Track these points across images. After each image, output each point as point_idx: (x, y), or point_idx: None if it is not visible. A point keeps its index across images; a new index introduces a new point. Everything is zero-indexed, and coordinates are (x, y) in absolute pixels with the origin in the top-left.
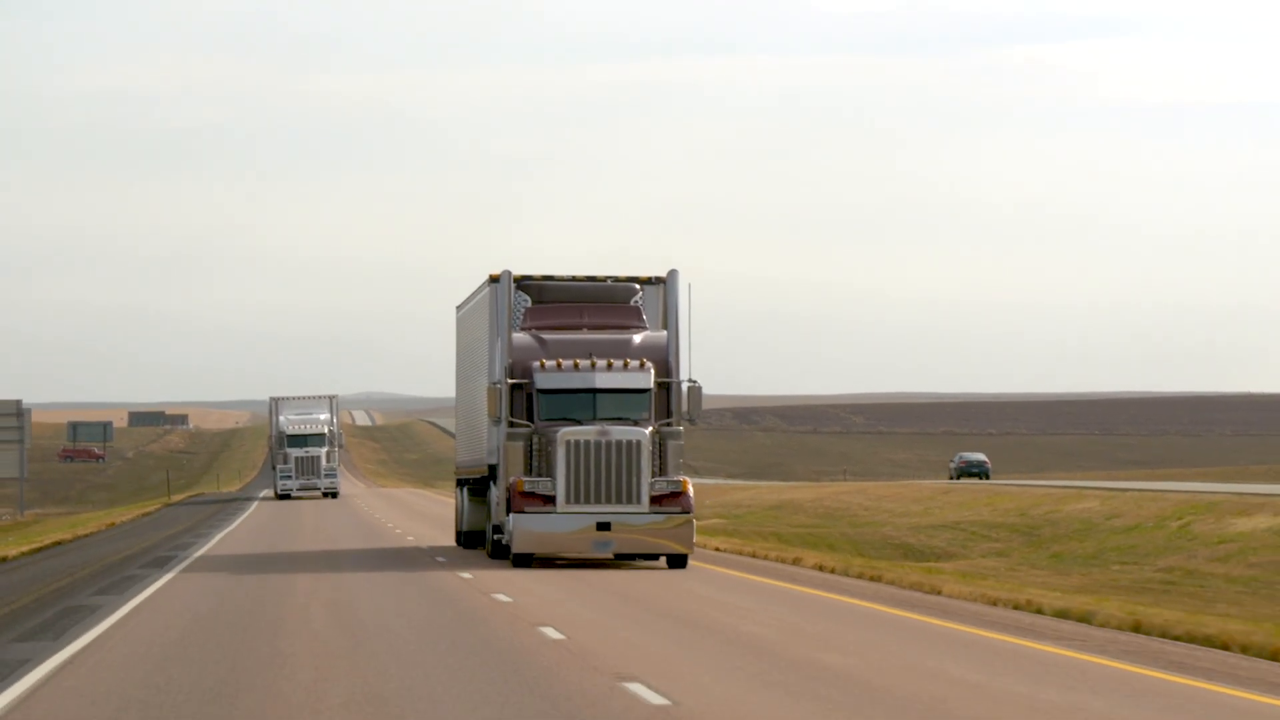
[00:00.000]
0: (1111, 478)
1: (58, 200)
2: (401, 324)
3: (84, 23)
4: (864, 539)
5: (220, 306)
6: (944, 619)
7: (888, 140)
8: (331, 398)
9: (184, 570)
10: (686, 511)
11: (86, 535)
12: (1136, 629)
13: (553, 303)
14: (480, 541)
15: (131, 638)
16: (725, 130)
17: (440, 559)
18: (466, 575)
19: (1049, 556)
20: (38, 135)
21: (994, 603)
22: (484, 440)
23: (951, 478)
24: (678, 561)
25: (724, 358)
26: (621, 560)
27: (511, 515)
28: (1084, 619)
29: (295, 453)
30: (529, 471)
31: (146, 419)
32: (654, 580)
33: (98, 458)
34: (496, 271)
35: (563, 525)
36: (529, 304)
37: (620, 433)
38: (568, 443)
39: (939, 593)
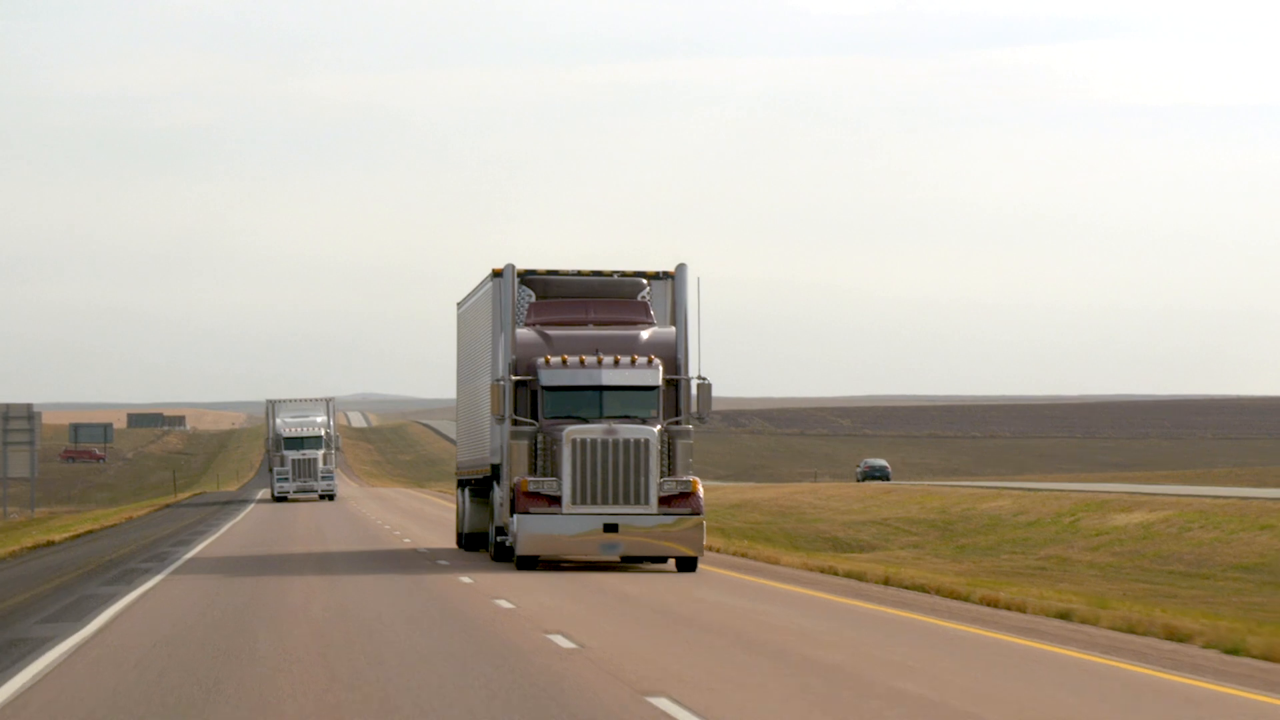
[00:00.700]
0: (1062, 479)
1: (52, 201)
2: (397, 325)
3: (78, 24)
4: (800, 533)
5: (216, 307)
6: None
7: (878, 142)
8: (328, 400)
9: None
10: (696, 513)
11: (111, 525)
12: (995, 605)
13: (557, 298)
14: (482, 544)
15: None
16: (713, 132)
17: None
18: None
19: (955, 548)
20: (32, 136)
21: (886, 580)
22: (486, 439)
23: (858, 480)
24: (687, 564)
25: (712, 360)
26: (628, 563)
27: (515, 516)
28: (953, 595)
29: (292, 455)
30: (534, 471)
31: (145, 420)
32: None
33: (98, 458)
34: (499, 266)
35: (569, 527)
36: (533, 299)
37: (628, 431)
38: (574, 442)
39: (835, 573)
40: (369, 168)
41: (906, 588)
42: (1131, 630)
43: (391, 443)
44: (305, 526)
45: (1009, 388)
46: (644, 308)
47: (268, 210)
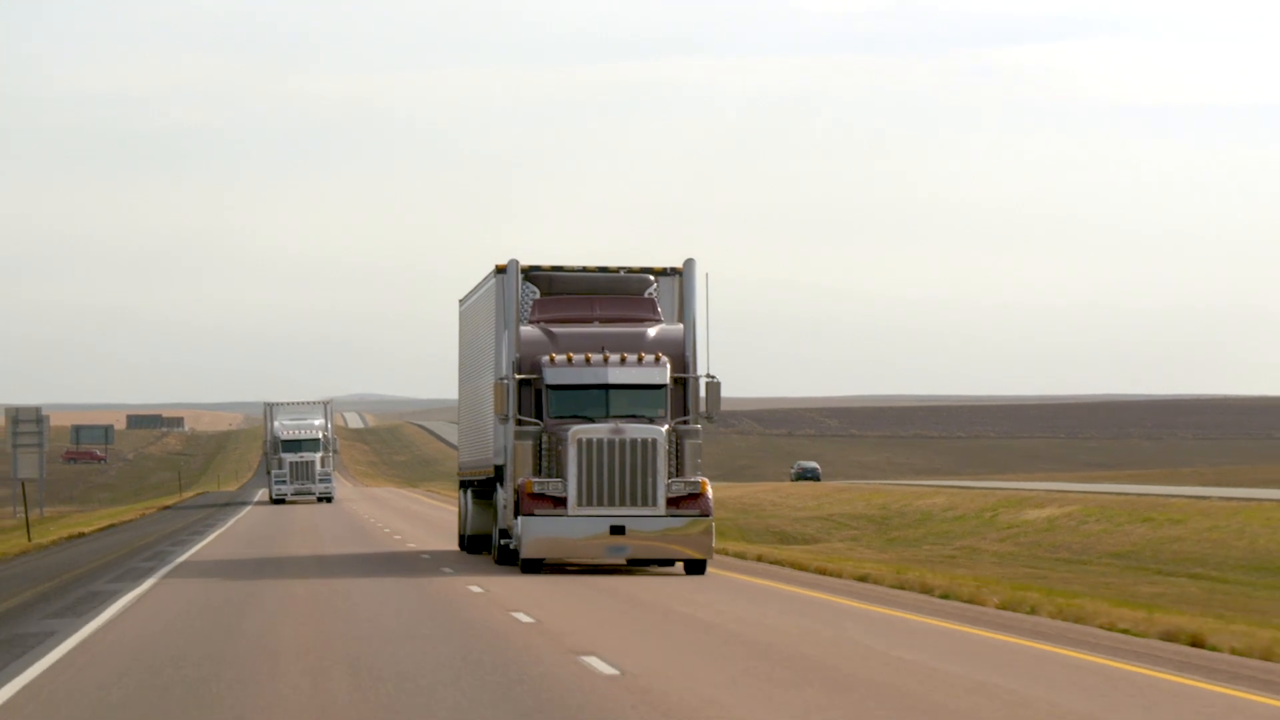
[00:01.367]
0: (1027, 479)
1: (48, 202)
2: (394, 326)
3: (77, 25)
4: (752, 528)
5: (212, 308)
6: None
7: (873, 142)
8: (325, 403)
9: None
10: (705, 514)
11: (130, 520)
12: (901, 586)
13: (562, 294)
14: (485, 546)
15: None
16: (706, 131)
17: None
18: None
19: (886, 540)
20: (29, 137)
21: (825, 570)
22: (490, 440)
23: (792, 480)
24: (696, 567)
25: (703, 359)
26: (635, 566)
27: (520, 518)
28: (861, 579)
29: (290, 458)
30: (538, 472)
31: (144, 422)
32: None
33: (100, 459)
34: (503, 262)
35: (574, 529)
36: (537, 296)
37: (635, 431)
38: (579, 441)
39: (760, 559)
40: (367, 168)
41: (813, 571)
42: (946, 596)
43: (387, 444)
44: (301, 528)
45: (999, 388)
46: (651, 304)
47: (264, 211)
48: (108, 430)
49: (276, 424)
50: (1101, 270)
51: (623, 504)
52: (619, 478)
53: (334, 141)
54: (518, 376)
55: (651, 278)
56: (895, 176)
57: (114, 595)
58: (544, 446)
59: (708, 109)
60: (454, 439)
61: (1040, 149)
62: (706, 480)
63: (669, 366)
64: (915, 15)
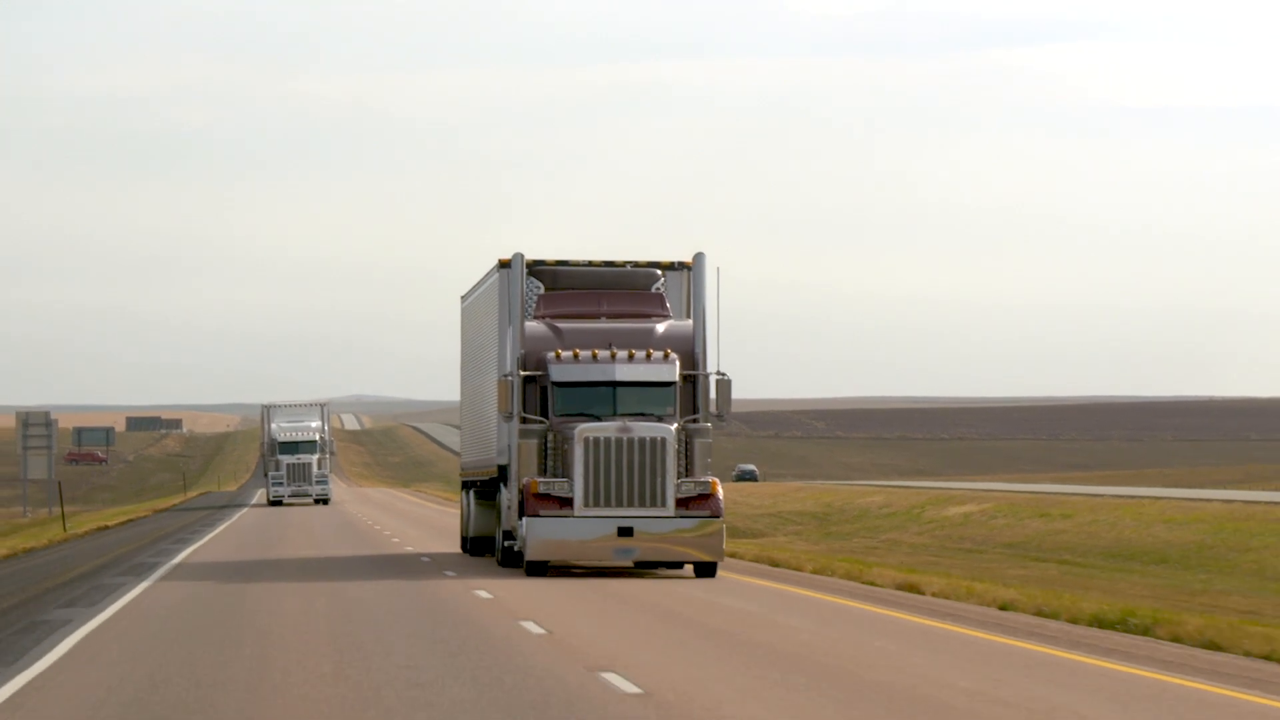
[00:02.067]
0: (993, 480)
1: (47, 202)
2: (392, 327)
3: (77, 25)
4: None
5: (210, 309)
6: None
7: (864, 144)
8: (322, 405)
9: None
10: (716, 515)
11: (144, 516)
12: (818, 571)
13: (568, 289)
14: (488, 548)
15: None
16: (700, 133)
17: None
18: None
19: (823, 534)
20: (29, 137)
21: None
22: (493, 439)
23: (733, 480)
24: (706, 570)
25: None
26: (642, 568)
27: (524, 519)
28: (791, 566)
29: (287, 460)
30: (543, 472)
31: (143, 424)
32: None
33: (101, 461)
34: (506, 256)
35: (581, 530)
36: (542, 291)
37: (643, 429)
38: (586, 440)
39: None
40: (365, 170)
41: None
42: (850, 578)
43: (382, 445)
44: (298, 525)
45: (986, 389)
46: (659, 300)
47: (262, 212)
48: (109, 432)
49: (273, 426)
50: (1087, 272)
51: (631, 505)
52: (627, 478)
53: (332, 143)
54: (522, 373)
55: (659, 272)
56: (886, 179)
57: (157, 566)
58: (549, 445)
59: (702, 111)
60: (448, 441)
61: (1029, 150)
62: (717, 480)
63: (678, 363)
64: (909, 17)
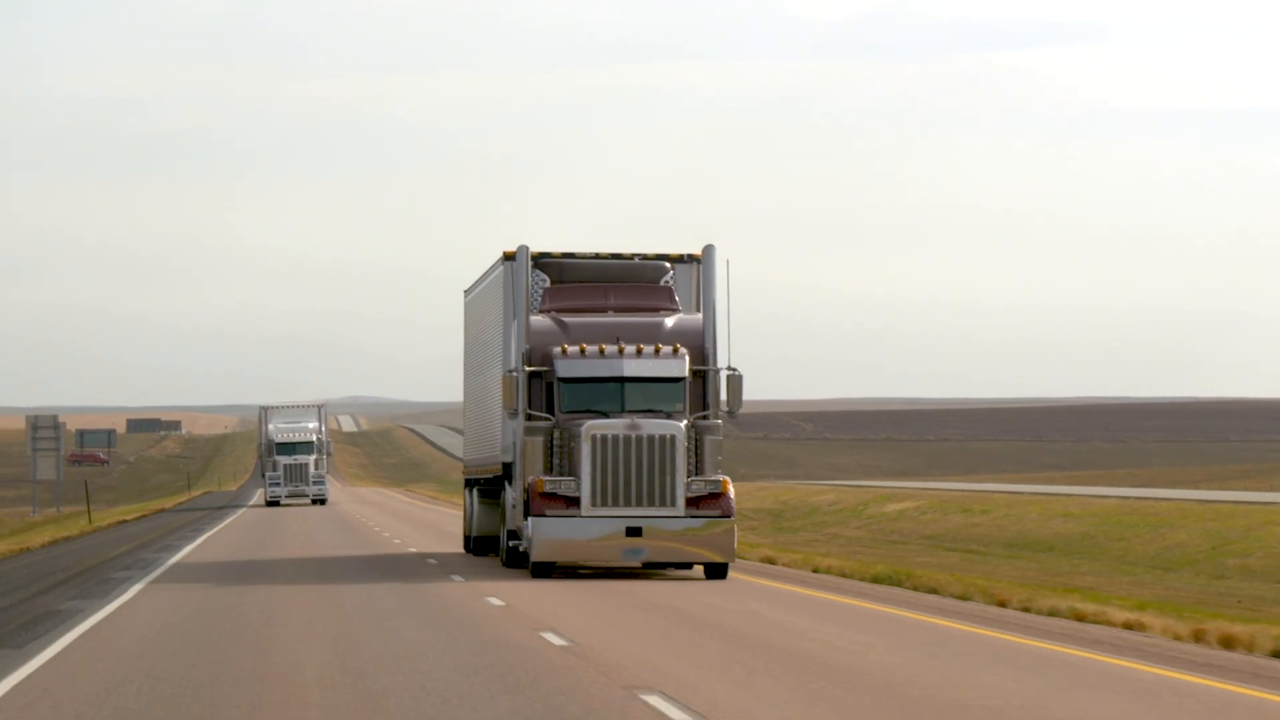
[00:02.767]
0: (956, 480)
1: (46, 204)
2: (389, 328)
3: (76, 27)
4: None
5: (208, 310)
6: None
7: (857, 146)
8: (319, 406)
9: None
10: (727, 515)
11: (156, 512)
12: (770, 561)
13: (574, 283)
14: (491, 548)
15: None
16: (694, 135)
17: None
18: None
19: (775, 529)
20: (28, 139)
21: None
22: (497, 436)
23: None
24: (716, 571)
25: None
26: (651, 569)
27: (530, 519)
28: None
29: (284, 460)
30: (549, 470)
31: (143, 425)
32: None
33: (102, 462)
34: (511, 248)
35: (588, 530)
36: (547, 284)
37: (652, 426)
38: (594, 438)
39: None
40: (364, 171)
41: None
42: (769, 562)
43: (379, 447)
44: (295, 522)
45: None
46: (668, 293)
47: (259, 214)
48: (110, 434)
49: (271, 427)
50: (1076, 275)
51: (639, 504)
52: (635, 476)
53: (331, 144)
54: (527, 369)
55: (668, 265)
56: (878, 182)
57: (181, 545)
58: (555, 443)
59: (698, 112)
60: (442, 442)
61: (1017, 153)
62: (728, 479)
63: (688, 358)
64: (905, 20)
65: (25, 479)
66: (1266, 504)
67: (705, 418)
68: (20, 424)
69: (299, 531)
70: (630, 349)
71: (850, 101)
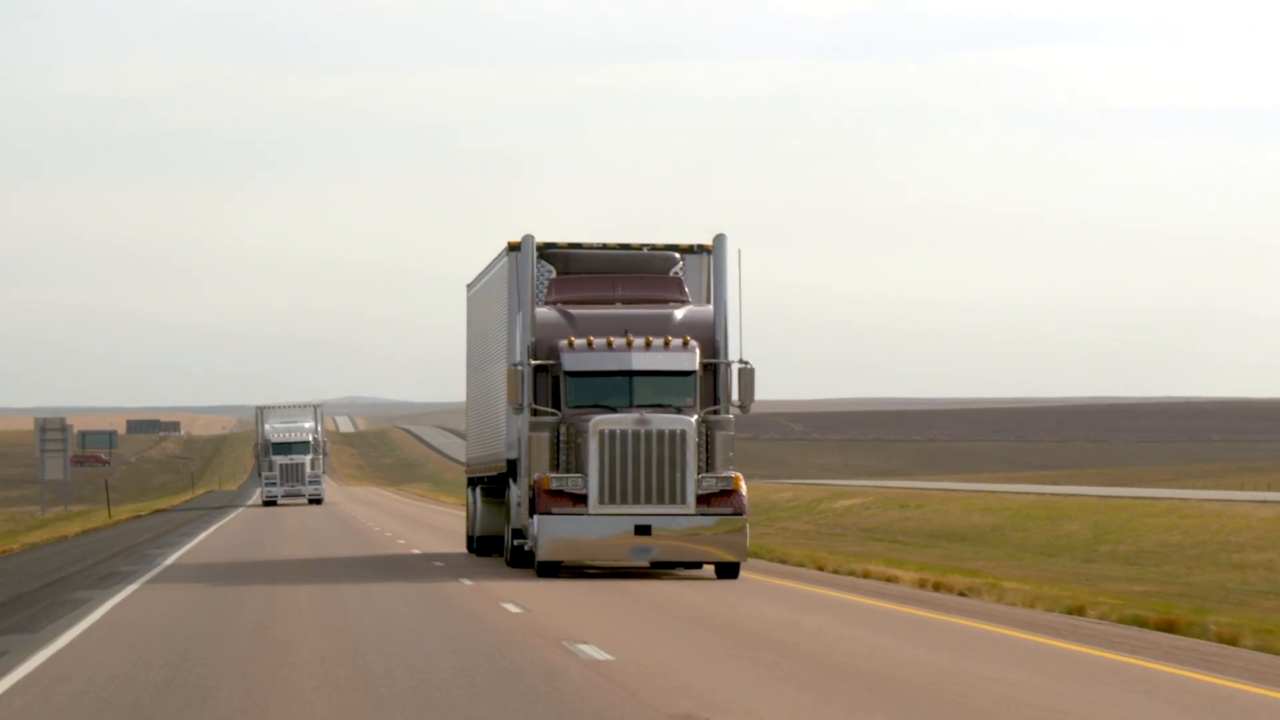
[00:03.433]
0: (928, 479)
1: (45, 204)
2: (388, 328)
3: (75, 27)
4: None
5: (206, 311)
6: None
7: (853, 147)
8: (316, 406)
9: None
10: (739, 513)
11: (165, 509)
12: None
13: (581, 274)
14: (495, 548)
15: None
16: (690, 135)
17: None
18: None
19: None
20: (26, 138)
21: None
22: (502, 432)
23: None
24: (728, 571)
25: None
26: (659, 569)
27: (536, 517)
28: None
29: (281, 460)
30: (556, 467)
31: (142, 426)
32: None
33: (104, 463)
34: (516, 239)
35: (596, 529)
36: (553, 275)
37: (662, 422)
38: (601, 433)
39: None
40: (362, 172)
41: None
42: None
43: (375, 447)
44: (292, 520)
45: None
46: (677, 284)
47: (258, 215)
48: (111, 435)
49: (267, 427)
50: (1065, 276)
51: (648, 502)
52: (645, 473)
53: (331, 144)
54: (533, 362)
55: (678, 255)
56: (872, 182)
57: (196, 533)
58: (562, 439)
59: (698, 112)
60: (437, 443)
61: (1015, 152)
62: (740, 476)
63: (698, 351)
64: (902, 19)
65: (28, 479)
66: (1151, 499)
67: (716, 412)
68: (20, 424)
69: (298, 527)
70: (639, 341)
71: (850, 101)
